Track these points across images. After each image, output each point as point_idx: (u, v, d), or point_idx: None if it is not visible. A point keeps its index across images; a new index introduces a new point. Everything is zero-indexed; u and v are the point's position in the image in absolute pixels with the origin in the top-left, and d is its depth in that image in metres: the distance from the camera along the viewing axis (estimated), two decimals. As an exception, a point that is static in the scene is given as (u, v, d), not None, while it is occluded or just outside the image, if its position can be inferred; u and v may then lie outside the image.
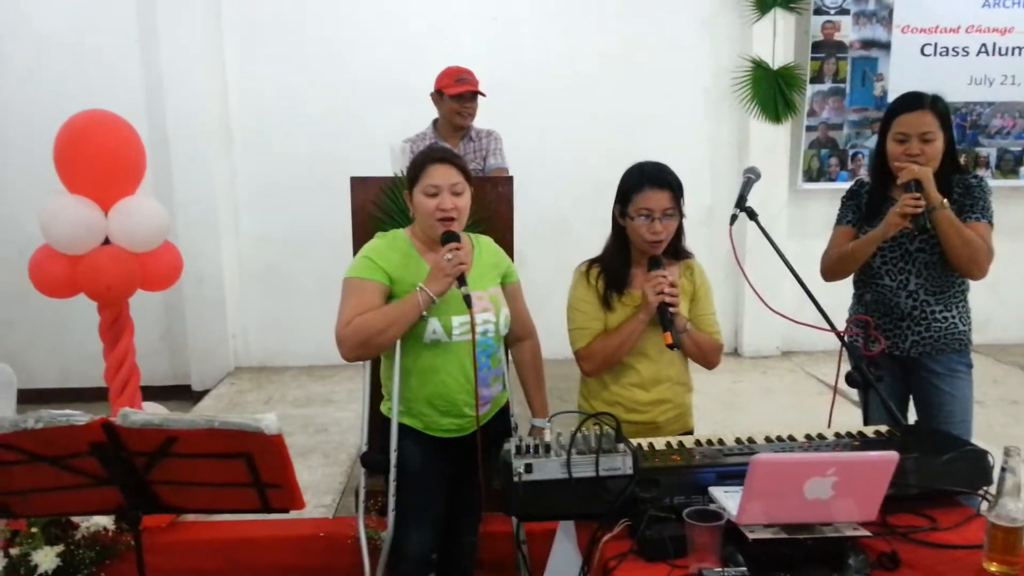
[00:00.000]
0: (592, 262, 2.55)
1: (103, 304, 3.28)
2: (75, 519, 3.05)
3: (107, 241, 3.18)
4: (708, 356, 2.54)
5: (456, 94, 3.97)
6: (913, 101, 2.58)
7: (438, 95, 4.07)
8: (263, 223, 5.57)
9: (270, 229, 5.57)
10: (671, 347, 2.33)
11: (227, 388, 5.32)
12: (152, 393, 4.74)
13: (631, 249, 2.47)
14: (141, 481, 1.61)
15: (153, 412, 1.69)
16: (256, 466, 1.56)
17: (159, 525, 3.14)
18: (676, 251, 2.53)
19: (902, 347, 2.67)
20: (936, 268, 2.61)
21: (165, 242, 3.36)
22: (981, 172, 5.69)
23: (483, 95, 4.03)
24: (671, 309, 2.33)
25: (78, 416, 1.49)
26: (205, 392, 5.30)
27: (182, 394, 5.36)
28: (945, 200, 2.51)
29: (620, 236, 2.48)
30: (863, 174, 5.65)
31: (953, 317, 2.65)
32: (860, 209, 2.76)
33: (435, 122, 4.14)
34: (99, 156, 3.13)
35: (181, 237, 4.97)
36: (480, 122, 5.28)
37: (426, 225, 2.37)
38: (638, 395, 2.48)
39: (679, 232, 2.49)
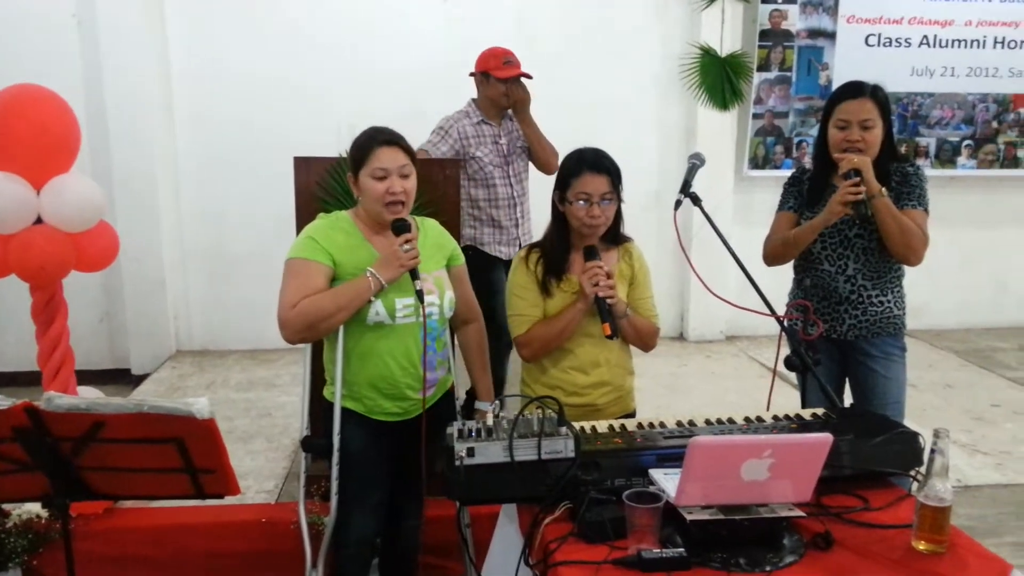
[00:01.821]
0: (532, 247, 2.55)
1: (35, 285, 3.17)
2: (6, 507, 2.96)
3: (39, 220, 3.07)
4: (645, 340, 2.58)
5: (505, 77, 3.93)
6: (854, 89, 2.64)
7: (483, 77, 4.01)
8: (206, 202, 5.43)
9: (213, 208, 5.44)
10: (610, 338, 2.36)
11: (168, 372, 5.20)
12: (89, 377, 4.63)
13: (571, 234, 2.48)
14: (68, 467, 1.56)
15: (81, 396, 1.64)
16: (188, 451, 1.53)
17: (94, 512, 3.06)
18: (615, 236, 2.55)
19: (839, 330, 2.73)
20: (873, 254, 2.67)
21: (101, 222, 3.26)
22: (921, 162, 5.83)
23: (530, 77, 4.00)
24: (608, 300, 2.36)
25: (0, 400, 1.44)
26: (145, 376, 5.17)
27: (121, 378, 5.23)
28: (883, 188, 2.57)
29: (560, 221, 2.49)
30: (807, 162, 5.75)
31: (889, 302, 2.72)
32: (802, 195, 2.81)
33: (474, 100, 4.09)
34: (30, 132, 3.02)
35: (119, 216, 4.84)
36: (434, 103, 5.25)
37: (373, 209, 2.33)
38: (577, 378, 2.49)
39: (617, 217, 2.50)
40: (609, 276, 2.38)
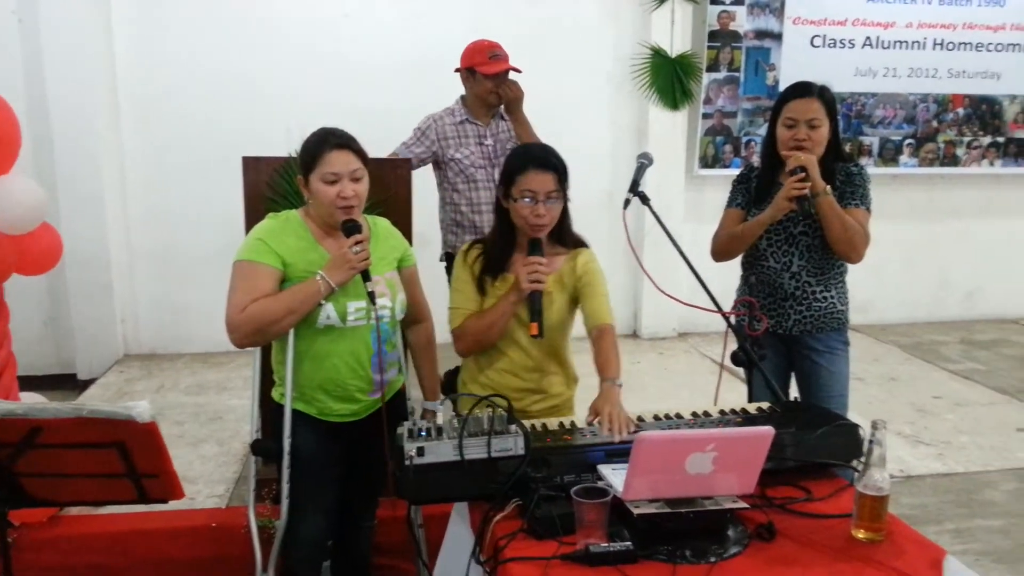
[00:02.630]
0: (475, 243, 2.53)
1: (-26, 289, 3.09)
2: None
3: (-23, 222, 3.00)
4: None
5: (492, 74, 3.72)
6: (802, 89, 2.69)
7: (469, 73, 3.79)
8: (154, 202, 5.34)
9: (161, 209, 5.34)
10: (536, 337, 2.30)
11: (115, 376, 5.10)
12: (34, 383, 4.52)
13: (515, 233, 2.43)
14: (6, 474, 1.53)
15: (20, 402, 1.61)
16: (130, 456, 1.50)
17: (38, 521, 2.99)
18: (562, 237, 2.48)
19: (785, 325, 2.79)
20: (817, 251, 2.73)
21: (43, 223, 3.19)
22: (865, 160, 5.97)
23: (519, 71, 3.80)
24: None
25: (-67, 406, 1.40)
26: (92, 381, 5.06)
27: (67, 383, 5.11)
28: (828, 187, 2.62)
29: (504, 219, 2.44)
30: (756, 160, 5.85)
31: (832, 297, 2.78)
32: (750, 192, 2.86)
33: (462, 98, 3.88)
34: (-33, 132, 2.94)
35: (64, 218, 4.74)
36: (388, 101, 5.22)
37: (325, 213, 2.30)
38: (509, 381, 2.47)
39: (564, 217, 2.44)
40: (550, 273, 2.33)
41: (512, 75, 3.79)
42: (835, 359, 2.79)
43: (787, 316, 2.78)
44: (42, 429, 1.44)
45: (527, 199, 2.33)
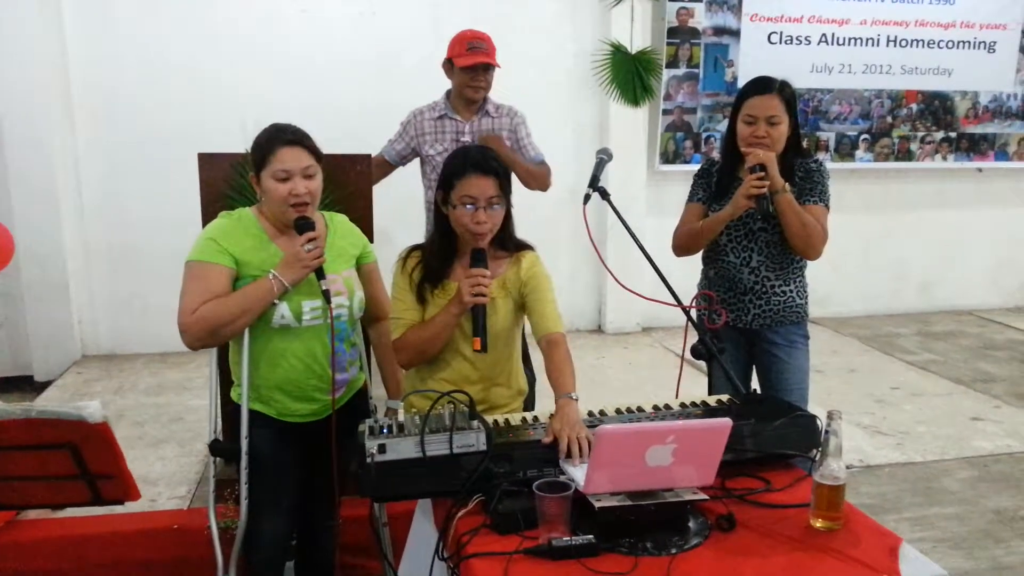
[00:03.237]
0: (414, 249, 2.40)
1: (-78, 290, 3.02)
2: None
3: (-75, 221, 2.92)
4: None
5: (467, 66, 3.60)
6: (762, 85, 2.69)
7: (448, 64, 3.69)
8: (110, 200, 5.24)
9: (118, 206, 5.24)
10: (479, 352, 2.21)
11: (73, 378, 5.01)
12: (-12, 385, 4.43)
13: (455, 239, 2.32)
14: (-45, 477, 1.50)
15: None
16: (83, 457, 1.47)
17: (-6, 526, 2.93)
18: (504, 242, 2.37)
19: (744, 319, 2.81)
20: (776, 246, 2.75)
21: (-7, 222, 3.12)
22: (822, 155, 6.06)
23: (497, 66, 3.70)
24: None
25: None
26: (49, 383, 4.97)
27: (23, 385, 5.02)
28: (787, 185, 2.63)
29: (443, 225, 2.33)
30: (716, 156, 5.90)
31: (791, 291, 2.80)
32: (710, 187, 2.86)
33: (448, 93, 3.78)
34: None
35: (16, 216, 4.65)
36: (344, 97, 5.18)
37: (277, 211, 2.27)
38: None
39: (508, 221, 2.35)
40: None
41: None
42: (794, 352, 2.82)
43: (746, 310, 2.80)
44: (-9, 431, 1.41)
45: (467, 205, 2.22)
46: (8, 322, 5.14)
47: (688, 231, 2.84)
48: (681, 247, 2.89)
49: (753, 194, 2.58)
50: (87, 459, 1.49)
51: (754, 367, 2.91)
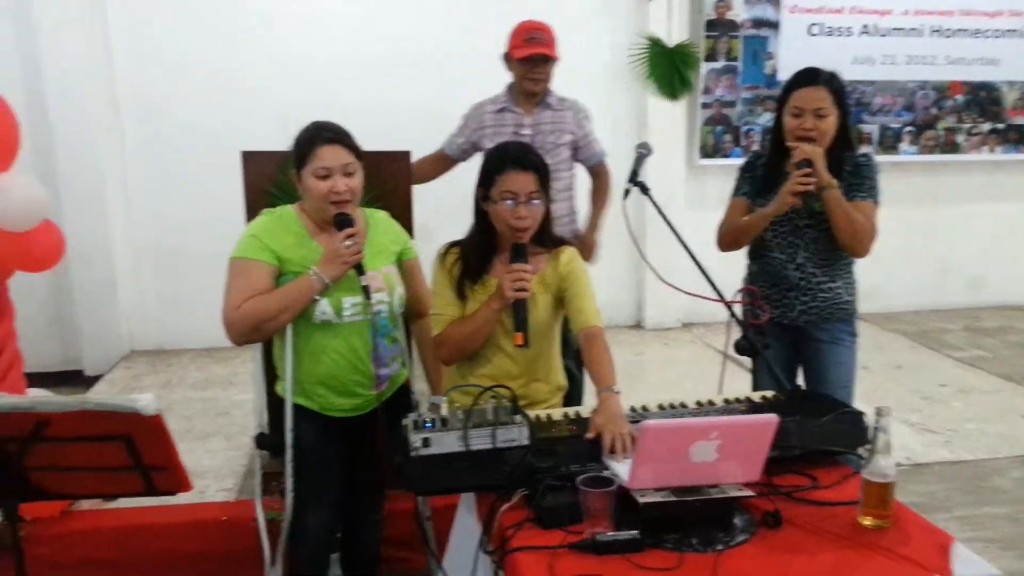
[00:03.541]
0: (453, 245, 2.42)
1: (-22, 287, 3.10)
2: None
3: (-20, 221, 3.00)
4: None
5: (523, 58, 3.48)
6: (809, 77, 2.61)
7: (507, 56, 3.57)
8: (156, 199, 5.35)
9: (164, 205, 5.35)
10: (521, 347, 2.23)
11: (122, 372, 5.12)
12: (42, 380, 4.53)
13: (495, 234, 2.33)
14: (15, 468, 1.54)
15: (24, 395, 1.61)
16: (137, 448, 1.51)
17: (49, 515, 3.00)
18: (543, 238, 2.37)
19: (790, 316, 2.75)
20: (822, 243, 2.67)
21: (45, 221, 3.19)
22: (865, 148, 5.95)
23: (557, 58, 3.57)
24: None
25: (-60, 403, 1.41)
26: (98, 377, 5.08)
27: (74, 380, 5.13)
28: (834, 180, 2.55)
29: (483, 221, 2.34)
30: (758, 149, 5.84)
31: (839, 288, 2.73)
32: (756, 181, 2.80)
33: (510, 86, 3.66)
34: (-33, 131, 2.95)
35: (66, 215, 4.75)
36: (377, 94, 5.21)
37: (318, 208, 2.30)
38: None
39: (547, 218, 2.35)
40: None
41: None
42: (841, 350, 2.75)
43: (792, 307, 2.74)
44: (48, 422, 1.44)
45: (508, 201, 2.24)
46: (59, 318, 5.26)
47: (732, 227, 2.79)
48: (725, 242, 2.84)
49: (799, 191, 2.51)
50: (141, 451, 1.52)
51: (800, 365, 2.85)
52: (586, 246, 3.81)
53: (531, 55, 3.48)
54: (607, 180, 3.88)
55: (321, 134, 2.27)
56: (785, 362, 2.77)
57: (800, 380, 2.84)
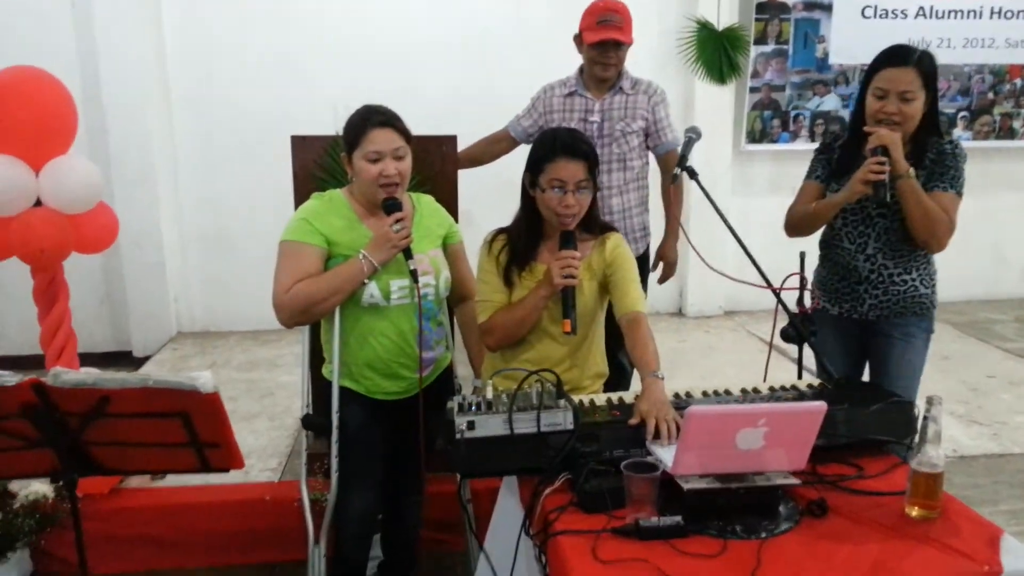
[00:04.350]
0: (500, 232, 2.43)
1: (36, 267, 3.19)
2: (12, 488, 3.00)
3: (39, 202, 3.08)
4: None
5: (594, 43, 3.31)
6: (897, 56, 2.45)
7: (578, 38, 3.41)
8: (205, 183, 5.44)
9: (212, 189, 5.44)
10: (569, 334, 2.24)
11: (169, 353, 5.23)
12: (92, 359, 4.65)
13: (542, 221, 2.34)
14: (75, 442, 1.59)
15: (88, 372, 1.67)
16: (193, 425, 1.55)
17: (100, 492, 3.09)
18: (589, 225, 2.37)
19: (860, 310, 2.63)
20: (895, 233, 2.54)
21: (100, 203, 3.27)
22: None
23: (630, 43, 3.37)
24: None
25: (7, 377, 1.46)
26: (147, 358, 5.20)
27: (123, 360, 5.25)
28: (912, 170, 2.40)
29: (530, 207, 2.34)
30: (804, 135, 5.74)
31: (914, 280, 2.59)
32: (831, 165, 2.65)
33: (581, 69, 3.50)
34: (28, 114, 3.02)
35: (118, 199, 4.84)
36: (424, 79, 5.22)
37: (368, 191, 2.33)
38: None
39: (593, 205, 2.34)
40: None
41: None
42: (909, 347, 2.61)
43: (861, 300, 2.61)
44: (110, 399, 1.49)
45: (556, 189, 2.24)
46: (109, 300, 5.39)
47: (801, 212, 2.65)
48: (793, 227, 2.70)
49: (870, 179, 2.36)
50: (197, 428, 1.56)
51: (868, 360, 2.73)
52: (665, 262, 3.69)
53: (603, 40, 3.30)
54: (677, 196, 3.62)
55: (372, 117, 2.29)
56: (852, 359, 2.68)
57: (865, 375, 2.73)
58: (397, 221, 2.26)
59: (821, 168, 2.68)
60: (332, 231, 2.32)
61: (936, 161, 2.51)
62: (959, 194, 2.51)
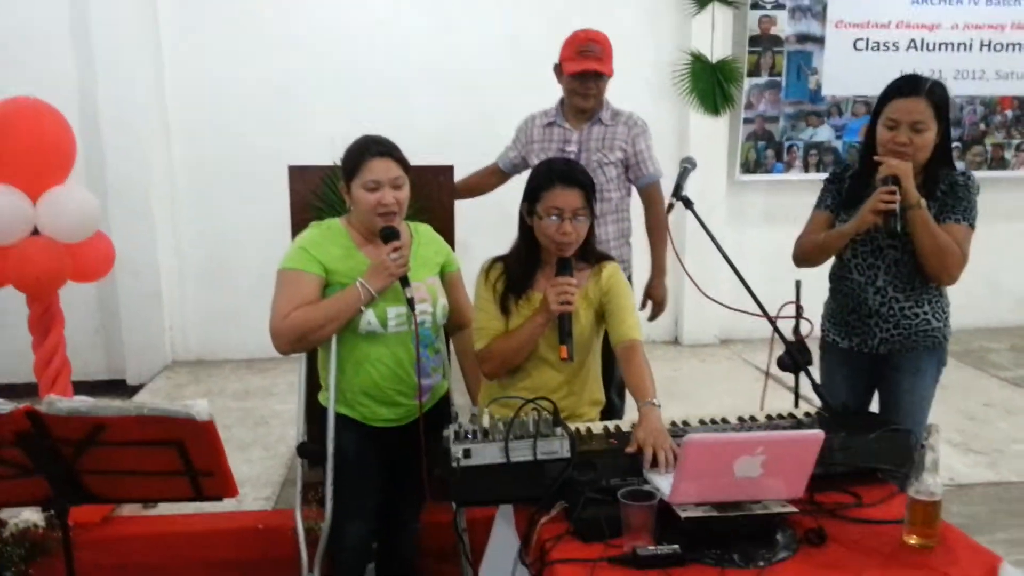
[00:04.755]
0: (496, 260, 2.43)
1: (32, 296, 3.19)
2: (2, 516, 2.97)
3: (36, 231, 3.09)
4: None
5: (574, 73, 3.28)
6: (909, 86, 2.42)
7: (558, 68, 3.39)
8: (201, 213, 5.45)
9: (209, 219, 5.45)
10: (566, 361, 2.23)
11: (164, 382, 5.21)
12: (86, 388, 4.64)
13: (539, 249, 2.35)
14: (69, 470, 1.58)
15: (82, 399, 1.66)
16: (188, 454, 1.54)
17: (92, 520, 3.07)
18: (586, 254, 2.38)
19: (870, 344, 2.58)
20: (906, 265, 2.49)
21: (97, 232, 3.28)
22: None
23: (607, 74, 3.34)
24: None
25: (1, 404, 1.45)
26: (141, 386, 5.17)
27: (117, 389, 5.23)
28: (923, 200, 2.36)
29: (528, 236, 2.35)
30: (798, 165, 5.79)
31: (926, 313, 2.54)
32: (841, 195, 2.61)
33: (562, 100, 3.48)
34: (27, 144, 3.04)
35: (115, 228, 4.84)
36: (421, 109, 5.26)
37: (366, 219, 2.34)
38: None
39: (590, 234, 2.36)
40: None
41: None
42: (919, 382, 2.57)
43: (872, 334, 2.56)
44: (104, 427, 1.49)
45: (553, 216, 2.24)
46: (104, 328, 5.37)
47: (810, 242, 2.60)
48: (801, 258, 2.65)
49: (881, 209, 2.32)
50: (192, 456, 1.55)
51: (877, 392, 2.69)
52: (653, 301, 3.64)
53: (582, 71, 3.29)
54: (659, 209, 3.49)
55: (371, 147, 2.32)
56: (859, 392, 2.64)
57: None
58: (395, 250, 2.27)
59: (831, 198, 2.64)
60: (330, 259, 2.33)
61: (948, 193, 2.46)
62: (971, 226, 2.46)
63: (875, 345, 2.58)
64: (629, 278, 3.54)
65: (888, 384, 2.62)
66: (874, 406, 2.71)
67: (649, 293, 3.67)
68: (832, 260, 2.68)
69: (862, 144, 2.64)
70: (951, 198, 2.45)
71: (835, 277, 2.68)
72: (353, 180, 2.31)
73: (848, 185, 2.60)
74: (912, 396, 2.58)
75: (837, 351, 2.66)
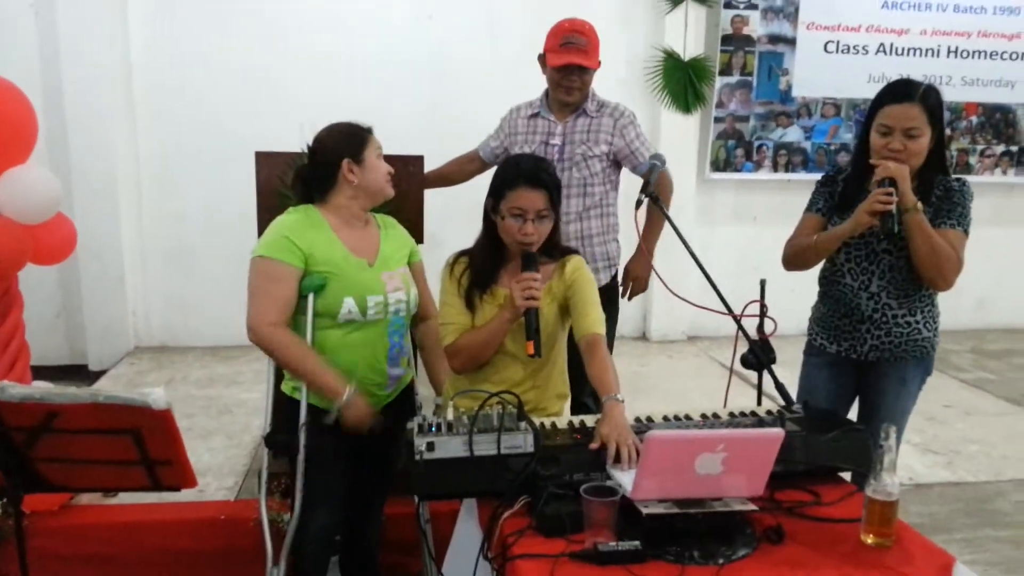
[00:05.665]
0: (461, 254, 2.42)
1: (-10, 278, 3.12)
2: (-44, 503, 2.91)
3: (-6, 212, 3.03)
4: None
5: (557, 66, 3.19)
6: (902, 92, 2.37)
7: (542, 59, 3.29)
8: (167, 197, 5.37)
9: (175, 203, 5.37)
10: (533, 356, 2.23)
11: (126, 368, 5.13)
12: (46, 373, 4.54)
13: (503, 244, 2.33)
14: (22, 458, 1.55)
15: (36, 386, 1.62)
16: (144, 443, 1.52)
17: (49, 509, 3.01)
18: (550, 249, 2.36)
19: (860, 350, 2.55)
20: (901, 271, 2.47)
21: (58, 214, 3.22)
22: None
23: (592, 68, 3.24)
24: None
25: (-48, 391, 1.42)
26: (103, 372, 5.10)
27: (78, 374, 5.14)
28: (919, 203, 2.33)
29: (491, 231, 2.34)
30: (767, 165, 5.84)
31: (917, 322, 2.52)
32: (833, 198, 2.57)
33: (546, 91, 3.37)
34: (-15, 122, 2.98)
35: (78, 210, 4.76)
36: (394, 97, 5.23)
37: (376, 189, 2.41)
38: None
39: (554, 231, 2.34)
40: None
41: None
42: (904, 392, 2.56)
43: (862, 340, 2.53)
44: (58, 414, 1.46)
45: (516, 217, 2.24)
46: (65, 312, 5.28)
47: (801, 244, 2.56)
48: (791, 261, 2.61)
49: (878, 210, 2.29)
50: (148, 445, 1.53)
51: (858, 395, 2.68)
52: (632, 276, 3.50)
53: (566, 64, 3.18)
54: (664, 193, 3.31)
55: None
56: (841, 398, 2.64)
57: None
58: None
59: (823, 201, 2.60)
60: (311, 246, 2.31)
61: (943, 198, 2.44)
62: (966, 232, 2.45)
63: (864, 351, 2.55)
64: (615, 276, 3.54)
65: (872, 391, 2.61)
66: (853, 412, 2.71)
67: (628, 268, 3.52)
68: (822, 263, 2.65)
69: (855, 149, 2.61)
70: (946, 204, 2.44)
71: (826, 280, 2.65)
72: (364, 151, 2.38)
73: (841, 189, 2.57)
74: (896, 407, 2.58)
75: (823, 355, 2.65)
